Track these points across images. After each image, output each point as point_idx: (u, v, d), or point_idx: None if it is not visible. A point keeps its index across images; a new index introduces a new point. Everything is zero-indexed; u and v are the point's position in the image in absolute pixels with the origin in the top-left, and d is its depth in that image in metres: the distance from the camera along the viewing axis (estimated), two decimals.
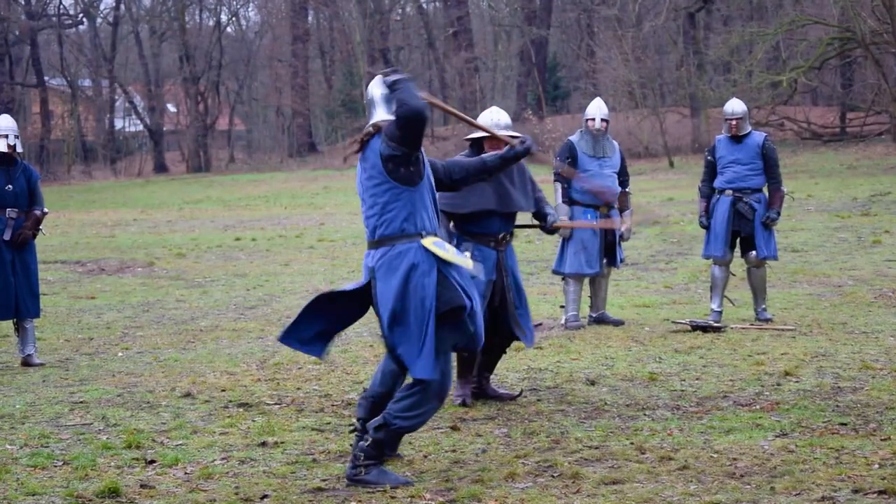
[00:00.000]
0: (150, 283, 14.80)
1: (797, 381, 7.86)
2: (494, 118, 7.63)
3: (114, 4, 55.63)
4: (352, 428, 6.26)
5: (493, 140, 7.27)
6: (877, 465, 5.81)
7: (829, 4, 37.35)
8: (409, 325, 5.68)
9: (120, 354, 9.82)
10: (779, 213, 10.56)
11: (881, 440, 6.27)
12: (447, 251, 5.77)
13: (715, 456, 6.10)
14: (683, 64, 42.48)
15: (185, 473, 6.09)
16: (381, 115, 5.84)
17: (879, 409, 6.96)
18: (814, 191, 24.71)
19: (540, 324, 10.12)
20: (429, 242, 5.73)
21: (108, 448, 6.58)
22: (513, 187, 7.54)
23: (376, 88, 5.90)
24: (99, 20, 56.49)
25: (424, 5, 57.24)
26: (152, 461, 6.31)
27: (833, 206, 21.55)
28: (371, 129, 5.82)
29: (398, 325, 5.71)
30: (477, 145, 7.56)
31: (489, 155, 6.56)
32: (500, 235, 7.53)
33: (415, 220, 5.73)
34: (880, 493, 5.36)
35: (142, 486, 5.87)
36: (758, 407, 7.18)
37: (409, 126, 5.65)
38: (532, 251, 17.10)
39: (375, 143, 5.77)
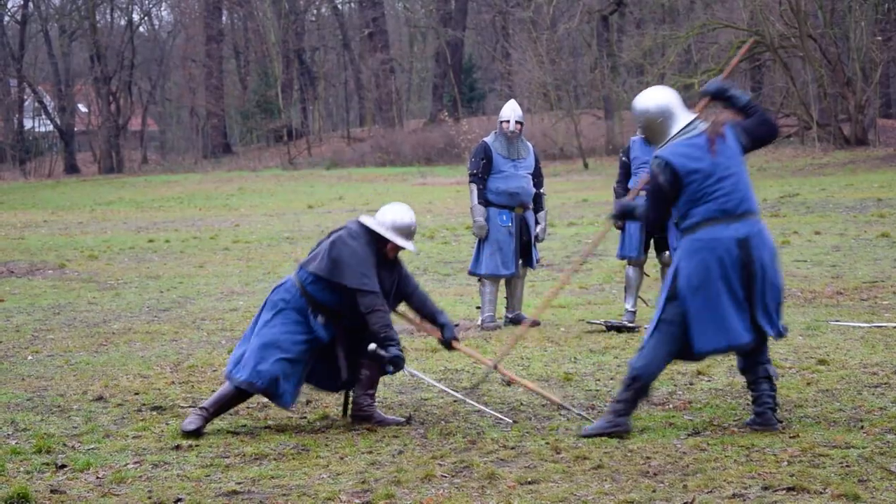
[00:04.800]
0: (62, 286, 14.56)
1: (709, 381, 7.97)
2: (398, 218, 7.05)
3: (22, 2, 54.62)
4: None
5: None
6: (786, 462, 5.91)
7: (739, 9, 37.99)
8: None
9: (30, 358, 9.64)
10: None
11: (790, 437, 6.38)
12: None
13: (629, 455, 6.16)
14: (597, 66, 42.91)
15: (97, 478, 6.00)
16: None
17: (788, 408, 7.08)
18: None
19: (457, 324, 10.14)
20: None
21: (17, 453, 6.46)
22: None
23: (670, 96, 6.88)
24: (6, 18, 55.43)
25: (340, 6, 57.11)
26: (63, 466, 6.21)
27: None
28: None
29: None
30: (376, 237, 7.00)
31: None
32: None
33: None
34: (789, 489, 5.46)
35: (52, 491, 5.77)
36: (671, 406, 7.28)
37: (767, 141, 7.01)
38: (448, 252, 17.14)
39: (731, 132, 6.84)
